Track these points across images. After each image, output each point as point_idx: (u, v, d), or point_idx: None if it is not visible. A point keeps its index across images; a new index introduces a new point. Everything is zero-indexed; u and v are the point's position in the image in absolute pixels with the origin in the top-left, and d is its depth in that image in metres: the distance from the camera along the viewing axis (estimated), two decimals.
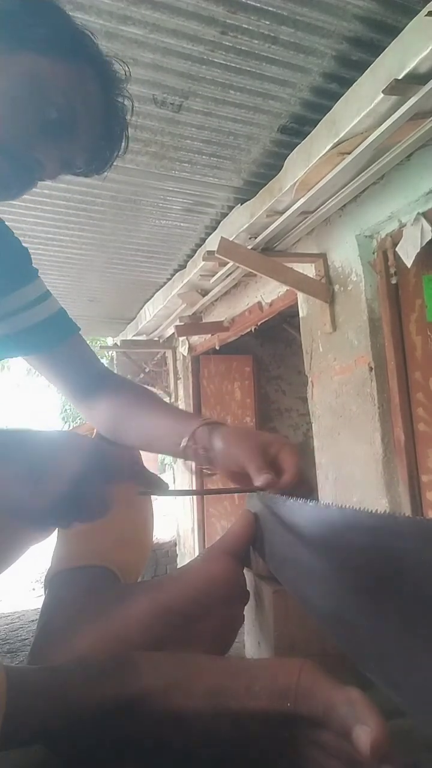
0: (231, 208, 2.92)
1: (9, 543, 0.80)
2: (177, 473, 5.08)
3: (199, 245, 3.39)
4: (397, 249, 2.33)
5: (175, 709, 0.41)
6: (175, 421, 0.80)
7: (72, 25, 0.70)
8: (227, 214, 2.96)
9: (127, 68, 0.76)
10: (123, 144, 0.77)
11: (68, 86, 0.67)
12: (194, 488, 3.89)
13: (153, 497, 0.79)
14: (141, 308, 4.65)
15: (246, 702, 0.41)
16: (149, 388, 5.24)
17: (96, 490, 0.49)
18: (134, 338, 5.12)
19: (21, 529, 0.81)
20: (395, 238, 2.40)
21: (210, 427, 0.74)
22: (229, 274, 3.35)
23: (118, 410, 0.85)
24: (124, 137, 0.77)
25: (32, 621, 1.52)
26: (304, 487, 0.65)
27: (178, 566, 4.71)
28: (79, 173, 0.76)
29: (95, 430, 0.88)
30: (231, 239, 2.74)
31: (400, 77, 1.70)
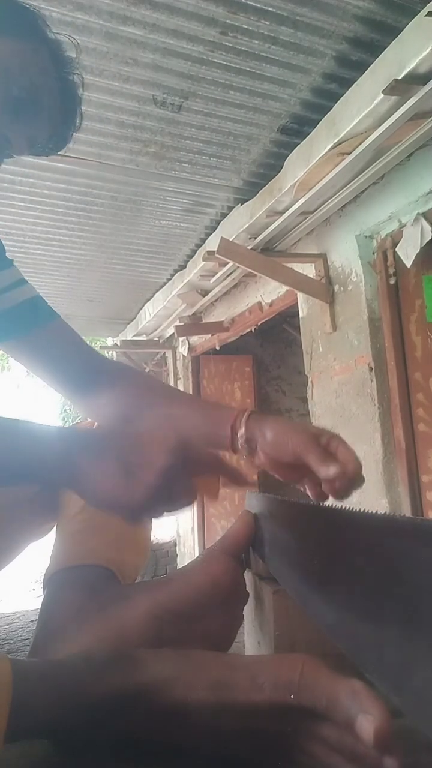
0: (231, 208, 2.92)
1: (8, 541, 0.80)
2: None
3: (199, 245, 3.39)
4: (397, 249, 2.33)
5: (178, 702, 0.42)
6: (209, 410, 0.78)
7: (21, 6, 0.72)
8: (227, 215, 2.96)
9: (77, 43, 0.78)
10: (78, 120, 0.79)
11: (26, 63, 0.69)
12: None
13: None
14: (141, 308, 4.65)
15: (249, 694, 0.41)
16: None
17: (183, 483, 0.52)
18: (134, 338, 5.13)
19: (20, 527, 0.81)
20: (395, 238, 2.40)
21: (253, 416, 0.72)
22: (229, 274, 3.35)
23: (127, 400, 0.82)
24: (78, 113, 0.79)
25: (32, 621, 1.52)
26: (359, 479, 0.64)
27: (178, 566, 4.71)
28: (40, 152, 0.77)
29: (95, 425, 0.86)
30: (231, 239, 2.74)
31: (400, 77, 1.70)
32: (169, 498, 0.52)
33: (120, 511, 0.52)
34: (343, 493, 0.63)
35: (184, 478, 0.52)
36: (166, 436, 0.53)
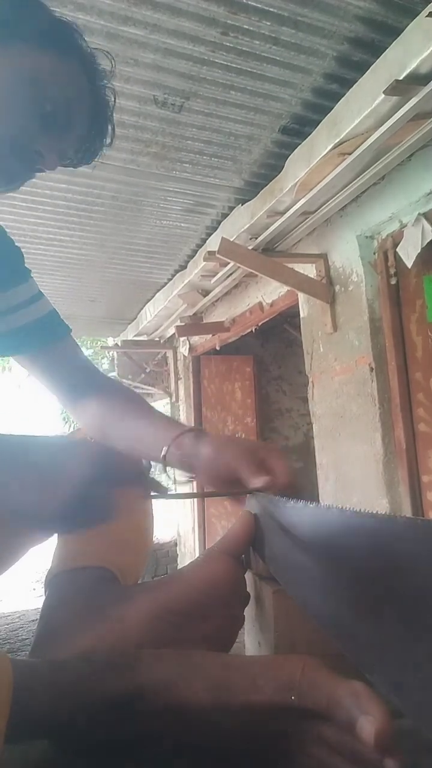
0: (232, 208, 2.92)
1: (9, 545, 0.80)
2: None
3: (199, 246, 3.39)
4: (397, 249, 2.33)
5: (179, 703, 0.42)
6: (159, 428, 0.81)
7: (57, 19, 0.72)
8: (228, 215, 2.96)
9: (112, 60, 0.78)
10: (110, 134, 0.79)
11: (60, 78, 0.69)
12: (194, 491, 3.91)
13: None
14: (142, 308, 4.66)
15: (250, 695, 0.41)
16: (150, 388, 5.25)
17: (101, 496, 0.50)
18: (135, 338, 5.13)
19: (22, 531, 0.81)
20: (396, 238, 2.40)
21: (194, 435, 0.74)
22: (230, 274, 3.35)
23: (106, 413, 0.86)
24: (110, 127, 0.79)
25: (32, 621, 1.53)
26: (294, 490, 0.65)
27: (179, 566, 4.71)
28: (68, 164, 0.77)
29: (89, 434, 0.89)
30: (232, 240, 2.74)
31: (400, 78, 1.70)
32: (85, 512, 0.50)
33: (30, 523, 0.51)
34: None
35: (103, 492, 0.51)
36: (84, 448, 0.53)
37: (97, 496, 0.50)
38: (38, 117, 0.68)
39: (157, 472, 0.68)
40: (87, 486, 0.49)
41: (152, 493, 0.58)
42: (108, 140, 0.79)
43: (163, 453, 0.74)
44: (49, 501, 0.48)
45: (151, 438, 0.79)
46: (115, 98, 0.78)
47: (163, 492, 0.58)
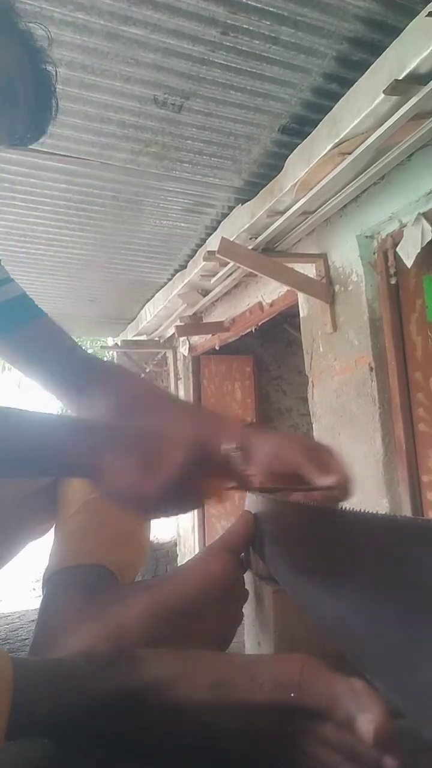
0: (232, 208, 2.92)
1: (6, 540, 0.80)
2: None
3: (199, 245, 3.39)
4: (397, 249, 2.33)
5: (179, 702, 0.42)
6: (208, 418, 0.80)
7: None
8: (228, 215, 2.96)
9: (49, 33, 0.78)
10: (55, 108, 0.79)
11: (1, 57, 0.69)
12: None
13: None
14: (141, 308, 4.65)
15: (250, 694, 0.41)
16: None
17: (196, 483, 0.53)
18: (135, 338, 5.13)
19: (20, 525, 0.81)
20: (396, 238, 2.40)
21: (251, 428, 0.75)
22: (230, 274, 3.35)
23: (121, 403, 0.81)
24: (54, 103, 0.79)
25: (32, 621, 1.52)
26: (352, 489, 0.66)
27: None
28: (18, 143, 0.78)
29: None
30: (232, 239, 2.74)
31: (400, 78, 1.70)
32: (180, 497, 0.52)
33: (133, 505, 0.53)
34: (335, 503, 0.65)
35: (197, 478, 0.53)
36: (185, 433, 0.54)
37: (192, 482, 0.52)
38: None
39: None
40: (185, 471, 0.51)
41: (237, 486, 0.59)
42: (53, 114, 0.79)
43: (225, 448, 0.74)
44: (151, 485, 0.50)
45: (200, 428, 0.78)
46: (56, 71, 0.78)
47: (248, 485, 0.59)
